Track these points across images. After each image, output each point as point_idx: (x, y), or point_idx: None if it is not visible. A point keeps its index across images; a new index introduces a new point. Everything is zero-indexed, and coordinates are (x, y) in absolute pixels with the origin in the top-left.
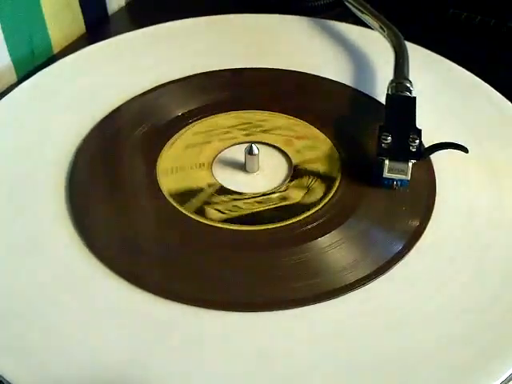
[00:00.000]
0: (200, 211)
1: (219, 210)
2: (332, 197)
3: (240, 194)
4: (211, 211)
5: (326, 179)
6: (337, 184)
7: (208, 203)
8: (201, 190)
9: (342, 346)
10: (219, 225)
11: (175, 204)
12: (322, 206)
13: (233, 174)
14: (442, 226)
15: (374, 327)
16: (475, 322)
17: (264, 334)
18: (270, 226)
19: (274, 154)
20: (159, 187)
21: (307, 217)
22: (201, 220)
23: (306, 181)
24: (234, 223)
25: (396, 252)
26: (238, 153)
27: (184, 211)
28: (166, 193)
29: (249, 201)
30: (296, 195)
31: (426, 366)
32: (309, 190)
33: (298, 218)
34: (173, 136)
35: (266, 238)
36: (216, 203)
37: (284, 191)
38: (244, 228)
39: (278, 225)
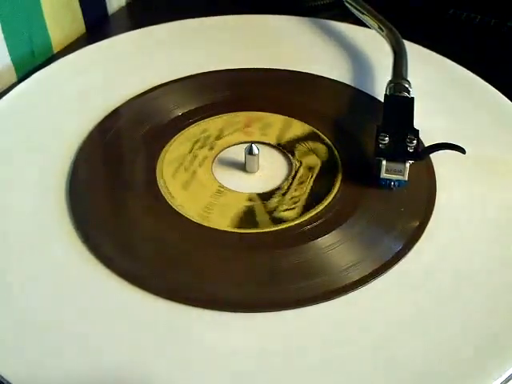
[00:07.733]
0: (276, 220)
1: (289, 209)
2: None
3: (278, 188)
4: (285, 214)
5: (313, 136)
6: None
7: (272, 211)
8: (251, 207)
9: (342, 346)
10: (302, 219)
11: (251, 230)
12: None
13: (233, 175)
14: (441, 226)
15: (374, 327)
16: (475, 321)
17: (264, 334)
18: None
19: (270, 153)
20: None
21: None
22: (282, 226)
23: (303, 147)
24: (313, 209)
25: (396, 252)
26: (238, 153)
27: (266, 230)
28: (229, 229)
29: (293, 187)
30: (314, 160)
31: (426, 365)
32: (314, 151)
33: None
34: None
35: (265, 239)
36: (277, 206)
37: (302, 165)
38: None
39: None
